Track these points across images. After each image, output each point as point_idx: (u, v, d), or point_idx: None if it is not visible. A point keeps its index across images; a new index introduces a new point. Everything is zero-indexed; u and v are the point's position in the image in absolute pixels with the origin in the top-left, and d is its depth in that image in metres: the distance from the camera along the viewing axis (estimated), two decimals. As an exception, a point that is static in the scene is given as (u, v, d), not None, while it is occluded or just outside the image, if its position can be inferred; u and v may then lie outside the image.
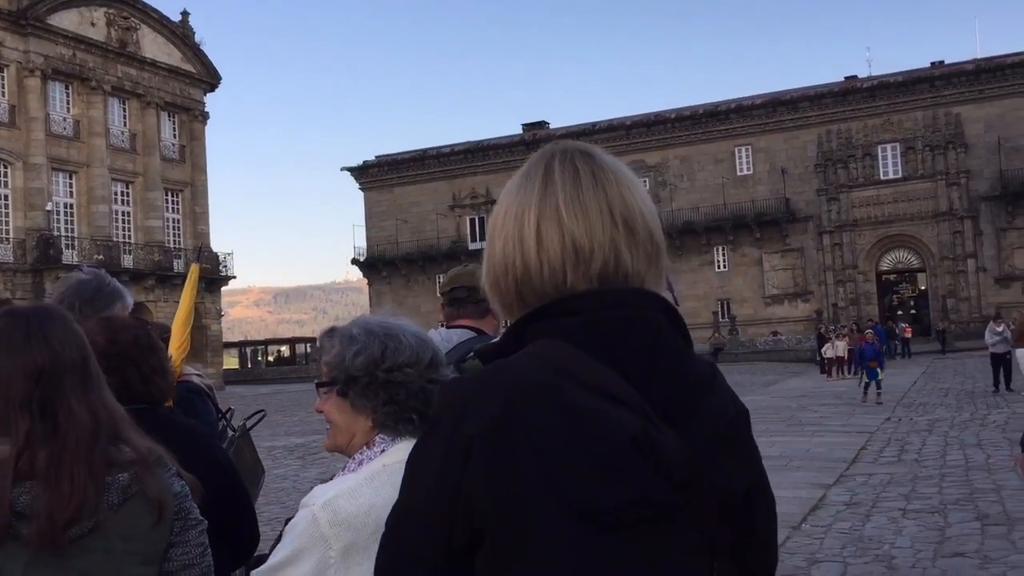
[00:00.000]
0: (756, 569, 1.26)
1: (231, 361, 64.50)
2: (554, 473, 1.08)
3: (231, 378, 51.06)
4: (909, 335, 41.79)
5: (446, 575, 1.15)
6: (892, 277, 52.62)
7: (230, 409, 3.83)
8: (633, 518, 1.10)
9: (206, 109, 45.31)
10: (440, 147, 61.91)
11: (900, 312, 50.56)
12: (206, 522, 1.67)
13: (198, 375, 3.77)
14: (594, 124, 57.36)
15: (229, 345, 64.02)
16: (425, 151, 61.88)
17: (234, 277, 46.72)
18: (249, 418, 3.77)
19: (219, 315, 45.56)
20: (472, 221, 59.29)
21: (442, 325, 3.13)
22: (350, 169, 63.49)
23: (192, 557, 1.62)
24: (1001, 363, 20.59)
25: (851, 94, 51.44)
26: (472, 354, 2.59)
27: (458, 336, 2.87)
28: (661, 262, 1.26)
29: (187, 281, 3.56)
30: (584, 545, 1.09)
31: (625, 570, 1.10)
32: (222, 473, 2.43)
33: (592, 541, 1.09)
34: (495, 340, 1.32)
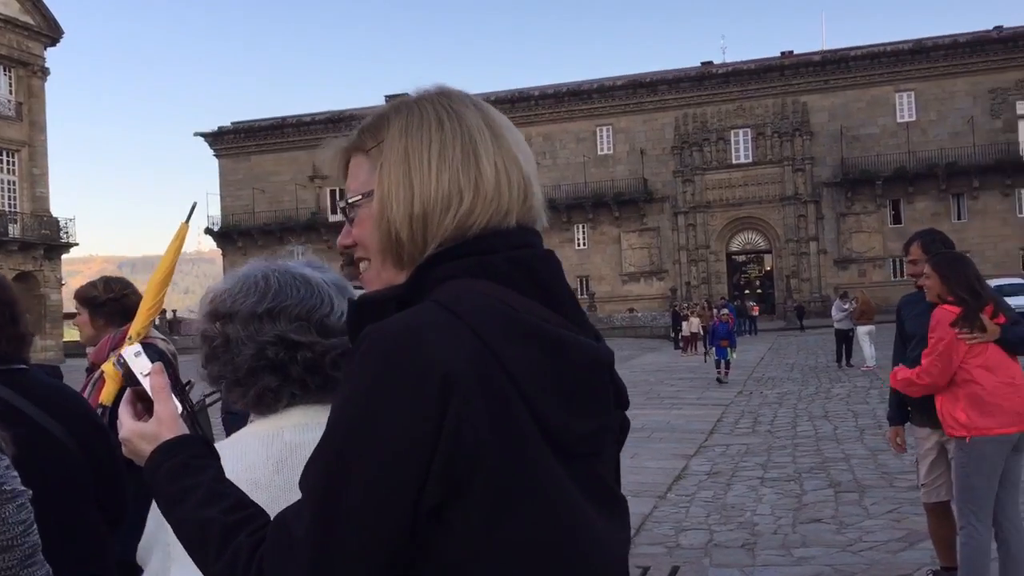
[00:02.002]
0: None
1: (72, 333, 61.19)
2: (535, 405, 1.02)
3: (72, 351, 48.41)
4: (756, 313, 43.75)
5: (401, 555, 0.99)
6: (741, 258, 54.93)
7: (190, 382, 3.52)
8: (588, 447, 1.08)
9: (46, 64, 42.46)
10: (300, 115, 60.33)
11: (747, 291, 52.88)
12: (28, 492, 1.43)
13: (163, 339, 3.47)
14: (458, 98, 57.08)
15: (70, 316, 60.70)
16: (284, 119, 60.16)
17: (76, 244, 44.28)
18: (210, 394, 3.47)
19: (59, 284, 43.13)
20: (332, 193, 58.06)
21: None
22: (204, 135, 61.03)
23: (10, 537, 1.38)
24: (844, 339, 21.79)
25: (707, 79, 53.14)
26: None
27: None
28: None
29: (172, 240, 3.25)
30: (562, 477, 1.04)
31: (586, 501, 1.06)
32: (103, 436, 2.23)
33: (564, 472, 1.04)
34: (387, 287, 1.11)
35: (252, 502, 1.12)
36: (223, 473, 1.16)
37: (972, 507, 4.43)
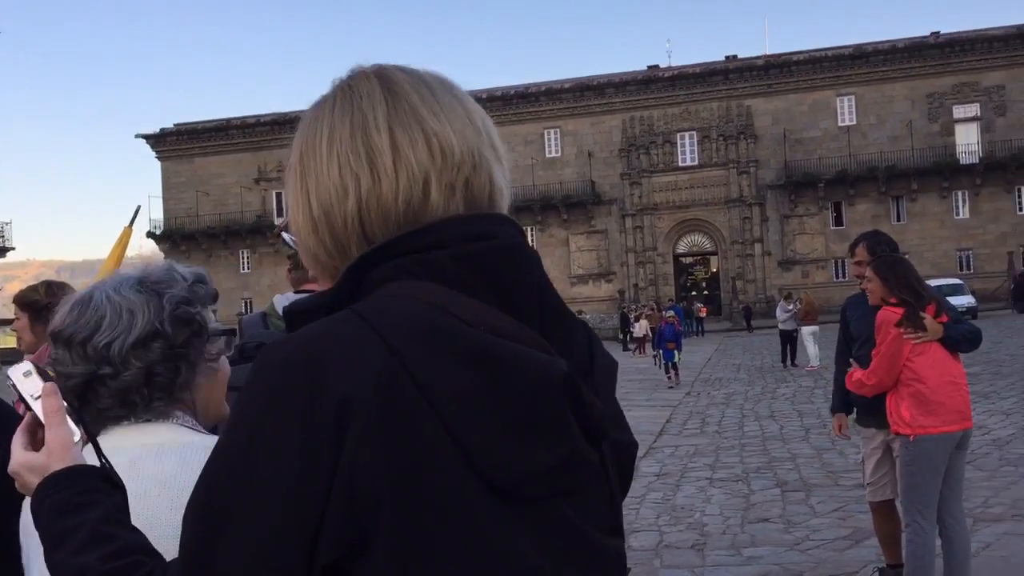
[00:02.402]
0: None
1: (8, 340, 59.65)
2: (462, 437, 0.82)
3: (8, 358, 47.23)
4: (704, 314, 44.22)
5: None
6: (688, 259, 55.52)
7: None
8: (544, 487, 0.86)
9: (-20, 64, 41.38)
10: (245, 117, 59.56)
11: (694, 293, 53.48)
12: None
13: None
14: (406, 100, 56.86)
15: (4, 323, 59.18)
16: (229, 121, 59.35)
17: (12, 249, 43.23)
18: None
19: (-5, 290, 42.08)
20: (279, 195, 57.43)
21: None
22: (146, 136, 59.94)
23: None
24: (788, 340, 22.12)
25: (653, 83, 53.62)
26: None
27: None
28: (510, 194, 1.03)
29: (116, 243, 3.10)
30: (499, 525, 0.83)
31: (540, 552, 0.85)
32: None
33: (507, 518, 0.84)
34: (315, 293, 0.95)
35: (143, 547, 0.97)
36: (118, 511, 1.01)
37: (917, 505, 4.49)
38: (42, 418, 1.06)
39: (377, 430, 0.80)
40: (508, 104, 54.78)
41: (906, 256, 5.10)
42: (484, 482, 0.83)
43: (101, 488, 1.02)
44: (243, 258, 57.82)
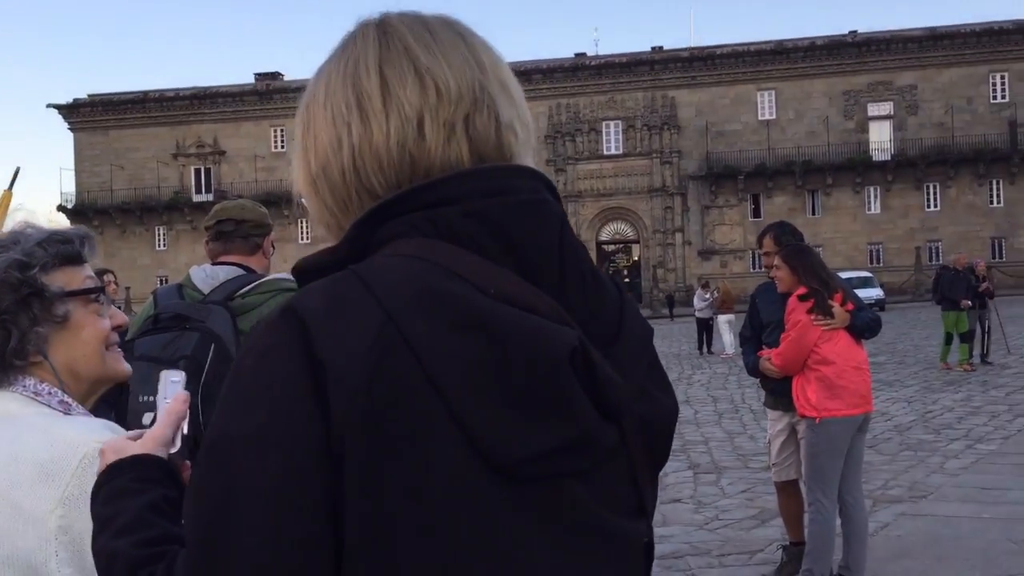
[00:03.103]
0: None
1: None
2: (461, 413, 0.76)
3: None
4: (628, 301, 44.86)
5: None
6: (611, 247, 56.17)
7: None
8: (551, 468, 0.80)
9: None
10: (164, 90, 57.94)
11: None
12: None
13: None
14: (331, 79, 56.08)
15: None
16: (146, 93, 57.65)
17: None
18: None
19: None
20: (198, 172, 56.15)
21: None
22: (58, 107, 57.88)
23: None
24: (705, 328, 22.59)
25: (580, 70, 53.96)
26: (242, 292, 2.37)
27: (225, 273, 2.61)
28: (532, 139, 0.96)
29: None
30: (499, 508, 0.78)
31: (544, 538, 0.80)
32: None
33: (508, 501, 0.79)
34: (323, 249, 0.88)
35: (182, 539, 0.89)
36: (168, 502, 0.94)
37: (820, 484, 4.68)
38: (159, 414, 1.06)
39: (365, 403, 0.75)
40: (435, 86, 54.50)
41: (820, 249, 5.29)
42: (483, 461, 0.77)
43: (158, 478, 0.97)
44: (159, 235, 56.36)
